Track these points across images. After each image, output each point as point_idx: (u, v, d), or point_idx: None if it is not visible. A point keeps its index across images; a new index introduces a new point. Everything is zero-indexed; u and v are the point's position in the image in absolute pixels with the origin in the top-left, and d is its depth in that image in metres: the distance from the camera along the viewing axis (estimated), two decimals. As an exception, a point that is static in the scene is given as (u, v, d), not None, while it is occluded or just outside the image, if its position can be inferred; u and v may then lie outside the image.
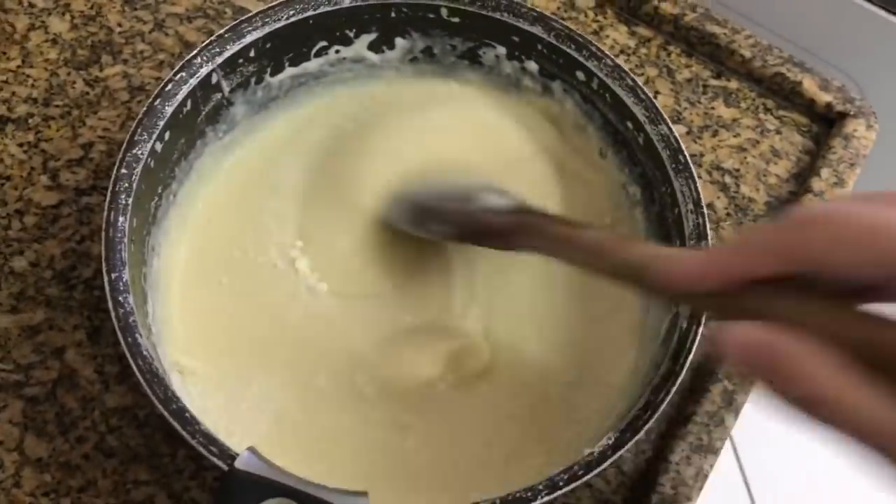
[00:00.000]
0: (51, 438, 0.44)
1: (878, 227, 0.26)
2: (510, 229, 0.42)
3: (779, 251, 0.28)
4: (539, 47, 0.48)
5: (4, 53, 0.54)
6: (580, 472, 0.37)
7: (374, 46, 0.50)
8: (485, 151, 0.51)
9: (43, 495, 0.42)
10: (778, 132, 0.57)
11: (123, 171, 0.41)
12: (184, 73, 0.43)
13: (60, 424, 0.44)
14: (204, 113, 0.46)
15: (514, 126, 0.51)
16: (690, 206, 0.43)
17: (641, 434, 0.38)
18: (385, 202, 0.47)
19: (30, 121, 0.52)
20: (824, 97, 0.57)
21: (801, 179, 0.55)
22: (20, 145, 0.52)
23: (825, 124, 0.57)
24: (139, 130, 0.42)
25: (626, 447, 0.37)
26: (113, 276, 0.39)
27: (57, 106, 0.53)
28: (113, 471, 0.43)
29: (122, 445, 0.44)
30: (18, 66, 0.54)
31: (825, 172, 0.54)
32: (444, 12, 0.48)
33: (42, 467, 0.43)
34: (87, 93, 0.54)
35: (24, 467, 0.43)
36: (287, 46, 0.47)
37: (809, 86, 0.57)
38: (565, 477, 0.36)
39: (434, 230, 0.46)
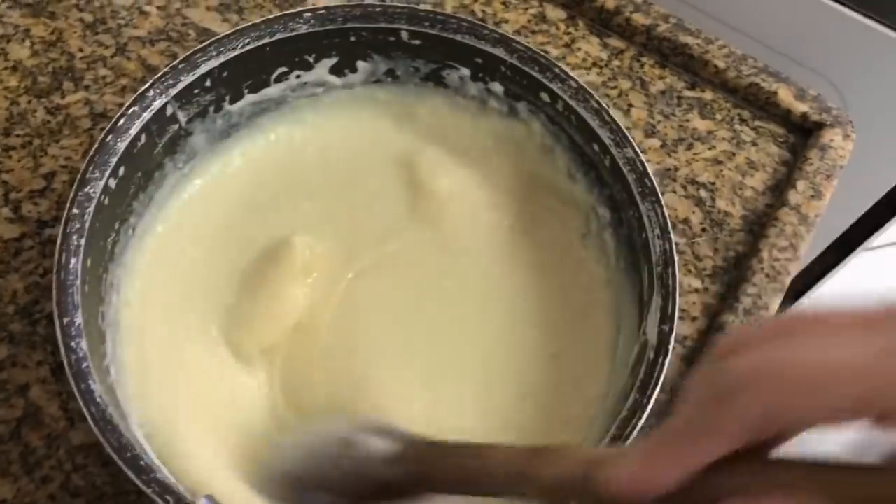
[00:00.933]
0: (15, 479, 0.43)
1: (830, 369, 0.23)
2: (409, 480, 0.35)
3: (733, 426, 0.24)
4: (502, 69, 0.47)
5: (-36, 83, 0.54)
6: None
7: (335, 70, 0.49)
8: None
9: (7, 539, 0.42)
10: (754, 144, 0.56)
11: (75, 210, 0.40)
12: (136, 108, 0.42)
13: (25, 464, 0.44)
14: (161, 145, 0.45)
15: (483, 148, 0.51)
16: (657, 232, 0.42)
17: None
18: (254, 477, 0.41)
19: (-10, 152, 0.52)
20: (800, 107, 0.56)
21: (778, 192, 0.54)
22: (-19, 177, 0.51)
23: (802, 135, 0.56)
24: (90, 168, 0.41)
25: (592, 485, 0.37)
26: (65, 320, 0.38)
27: (18, 135, 0.52)
28: (79, 511, 0.43)
29: (89, 485, 0.43)
30: (-22, 96, 0.53)
31: (801, 185, 0.53)
32: (404, 35, 0.47)
33: (6, 509, 0.43)
34: (49, 121, 0.53)
35: (-13, 510, 0.43)
36: (245, 74, 0.46)
37: (785, 95, 0.56)
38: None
39: (318, 502, 0.38)
